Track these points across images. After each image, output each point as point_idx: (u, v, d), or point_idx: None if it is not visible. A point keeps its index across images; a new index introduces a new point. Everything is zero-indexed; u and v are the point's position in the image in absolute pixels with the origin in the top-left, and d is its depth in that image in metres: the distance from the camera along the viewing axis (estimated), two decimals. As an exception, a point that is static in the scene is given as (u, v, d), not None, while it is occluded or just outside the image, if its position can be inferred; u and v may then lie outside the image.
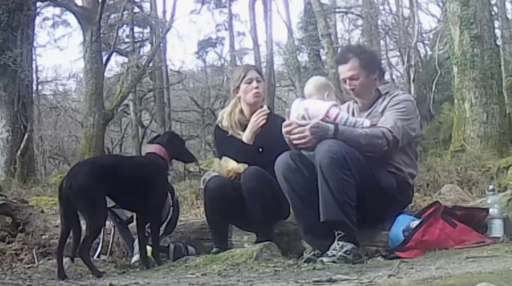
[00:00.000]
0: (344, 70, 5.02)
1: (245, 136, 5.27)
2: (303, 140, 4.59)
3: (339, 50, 20.23)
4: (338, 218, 4.41)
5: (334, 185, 4.41)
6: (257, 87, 5.34)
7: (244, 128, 5.33)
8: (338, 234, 4.42)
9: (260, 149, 5.21)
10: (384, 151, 4.70)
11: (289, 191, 4.69)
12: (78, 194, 4.38)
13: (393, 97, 4.92)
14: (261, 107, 5.43)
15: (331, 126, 4.58)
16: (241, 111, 5.41)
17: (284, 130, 4.72)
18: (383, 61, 26.19)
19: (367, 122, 4.71)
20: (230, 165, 5.09)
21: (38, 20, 22.07)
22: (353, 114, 5.01)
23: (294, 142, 4.65)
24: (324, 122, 4.61)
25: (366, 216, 4.54)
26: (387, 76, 26.06)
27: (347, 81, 4.99)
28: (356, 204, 4.47)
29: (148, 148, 5.03)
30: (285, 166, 4.68)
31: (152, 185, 4.70)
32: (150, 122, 29.48)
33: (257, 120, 5.24)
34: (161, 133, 5.40)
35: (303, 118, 4.70)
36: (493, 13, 15.74)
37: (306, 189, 4.61)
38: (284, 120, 5.02)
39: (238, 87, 5.39)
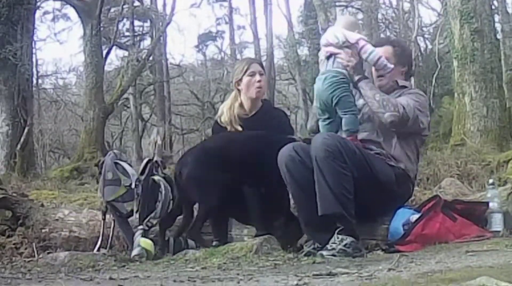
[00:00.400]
0: (378, 51, 5.13)
1: None
2: (346, 63, 4.77)
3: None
4: (336, 211, 4.41)
5: (330, 178, 4.42)
6: (259, 81, 5.35)
7: (243, 122, 5.34)
8: (338, 227, 4.42)
9: None
10: (390, 122, 4.77)
11: (291, 183, 4.69)
12: (187, 181, 4.77)
13: (410, 89, 5.13)
14: (265, 100, 5.50)
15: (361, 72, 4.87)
16: (241, 105, 5.40)
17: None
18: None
19: (390, 65, 4.83)
20: None
21: (38, 14, 22.13)
22: None
23: (339, 60, 4.79)
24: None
25: (365, 209, 4.54)
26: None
27: None
28: (354, 197, 4.47)
29: None
30: (288, 158, 4.68)
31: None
32: (150, 115, 29.52)
33: None
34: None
35: (336, 36, 4.81)
36: (493, 7, 15.76)
37: (309, 181, 4.60)
38: (284, 112, 5.13)
39: (241, 80, 5.38)
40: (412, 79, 19.47)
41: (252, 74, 5.35)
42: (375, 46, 5.23)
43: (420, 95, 5.03)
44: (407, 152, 4.89)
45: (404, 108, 4.74)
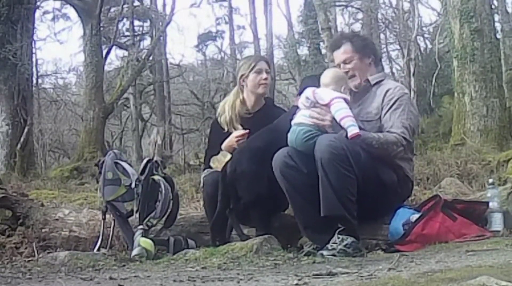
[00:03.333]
0: (338, 55, 5.08)
1: (224, 145, 5.35)
2: (322, 122, 4.62)
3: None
4: (339, 213, 4.41)
5: (334, 180, 4.41)
6: (266, 79, 5.38)
7: (245, 120, 5.34)
8: (339, 227, 4.42)
9: None
10: (400, 156, 4.76)
11: (287, 188, 4.68)
12: (240, 178, 4.87)
13: (387, 91, 4.90)
14: (267, 98, 5.57)
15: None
16: (243, 102, 5.41)
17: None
18: (383, 55, 26.30)
19: (354, 130, 4.53)
20: (228, 158, 5.10)
21: (38, 13, 22.11)
22: None
23: (314, 120, 4.66)
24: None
25: (367, 211, 4.54)
26: (387, 70, 26.21)
27: (341, 65, 5.03)
28: (358, 199, 4.46)
29: None
30: (282, 163, 4.67)
31: None
32: (150, 115, 29.53)
33: (232, 140, 5.30)
34: None
35: (307, 98, 4.72)
36: (493, 6, 15.73)
37: (304, 185, 4.61)
38: (284, 111, 5.30)
39: (247, 76, 5.39)
40: (412, 79, 19.48)
41: (259, 71, 5.37)
42: (333, 49, 5.19)
43: (401, 98, 4.86)
44: (403, 153, 4.87)
45: (404, 137, 4.71)
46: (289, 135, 4.76)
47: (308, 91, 4.76)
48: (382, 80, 5.05)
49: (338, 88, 4.78)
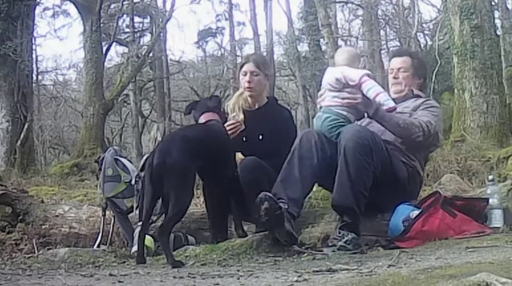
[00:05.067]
0: (397, 62, 5.30)
1: None
2: (354, 101, 4.70)
3: (339, 40, 20.24)
4: (349, 205, 4.44)
5: (354, 171, 4.45)
6: (248, 81, 5.37)
7: (247, 115, 5.33)
8: (343, 221, 4.44)
9: (260, 137, 5.22)
10: (418, 142, 4.85)
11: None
12: (171, 171, 4.19)
13: (426, 100, 5.16)
14: (271, 96, 5.53)
15: (374, 104, 4.71)
16: (245, 98, 5.42)
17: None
18: (383, 51, 26.32)
19: (391, 103, 4.66)
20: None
21: (38, 10, 22.07)
22: None
23: (345, 100, 4.71)
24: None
25: (377, 205, 4.59)
26: (387, 66, 26.20)
27: (394, 71, 5.24)
28: (371, 192, 4.50)
29: (205, 117, 4.82)
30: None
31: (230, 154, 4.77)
32: (150, 112, 29.52)
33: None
34: (203, 98, 5.31)
35: (338, 80, 4.73)
36: (493, 3, 15.72)
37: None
38: (288, 109, 5.51)
39: (238, 77, 5.49)
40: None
41: (244, 74, 5.40)
42: (394, 56, 5.42)
43: (437, 108, 5.12)
44: (419, 156, 4.94)
45: (427, 126, 4.82)
46: (314, 120, 4.87)
47: (337, 73, 4.77)
48: (421, 96, 5.25)
49: (353, 67, 4.83)
